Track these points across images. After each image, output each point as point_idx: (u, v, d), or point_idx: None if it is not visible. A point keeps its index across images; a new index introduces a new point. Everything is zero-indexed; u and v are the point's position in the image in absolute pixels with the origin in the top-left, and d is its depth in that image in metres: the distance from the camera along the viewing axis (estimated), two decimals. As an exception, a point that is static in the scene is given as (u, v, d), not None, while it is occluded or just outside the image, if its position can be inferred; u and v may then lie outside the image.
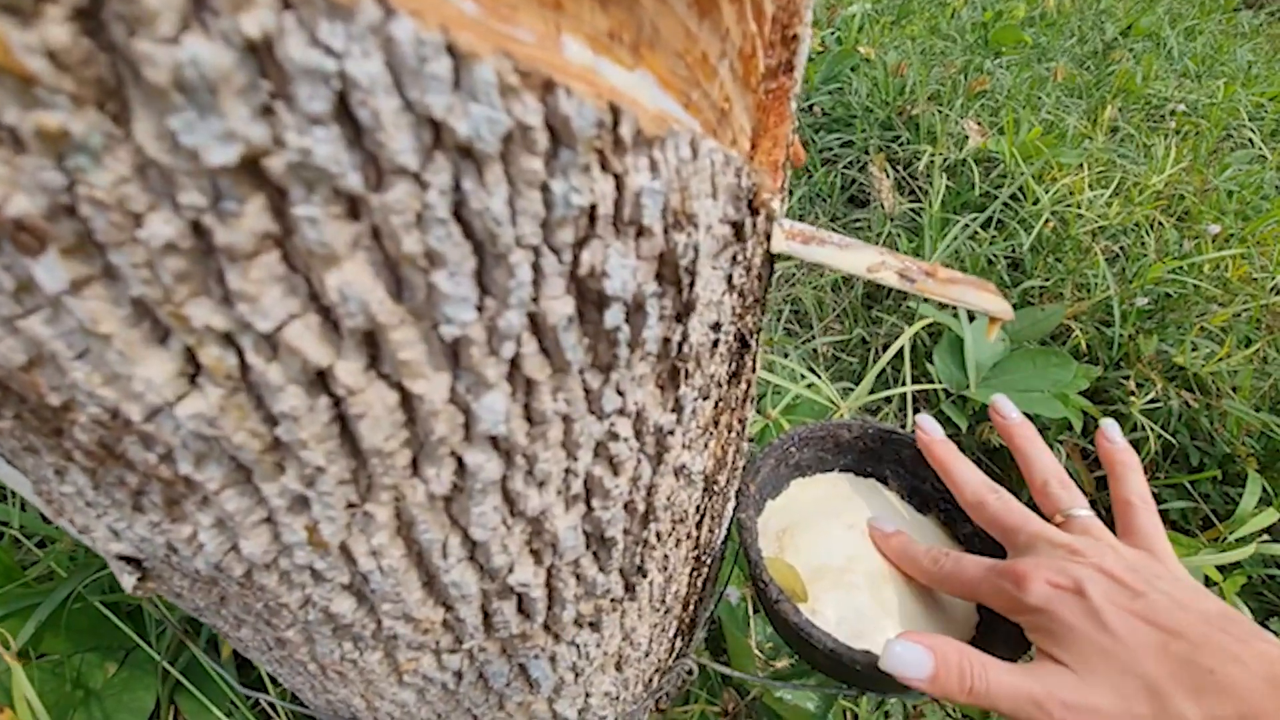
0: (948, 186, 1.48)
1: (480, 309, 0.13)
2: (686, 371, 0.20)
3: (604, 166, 0.12)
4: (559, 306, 0.14)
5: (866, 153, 1.63)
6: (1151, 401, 1.12)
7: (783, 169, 0.24)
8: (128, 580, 0.23)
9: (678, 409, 0.21)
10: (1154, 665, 0.24)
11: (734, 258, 0.19)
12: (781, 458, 0.40)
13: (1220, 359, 1.11)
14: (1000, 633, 0.31)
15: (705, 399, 0.24)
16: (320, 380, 0.13)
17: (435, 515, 0.18)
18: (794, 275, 1.45)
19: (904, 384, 0.95)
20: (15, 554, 0.74)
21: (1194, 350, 1.17)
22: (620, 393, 0.18)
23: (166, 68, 0.08)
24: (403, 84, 0.09)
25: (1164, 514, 1.03)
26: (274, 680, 0.54)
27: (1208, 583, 0.77)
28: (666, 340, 0.17)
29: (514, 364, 0.15)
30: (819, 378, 0.84)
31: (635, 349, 0.16)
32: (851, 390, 0.99)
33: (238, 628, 0.26)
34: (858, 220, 1.53)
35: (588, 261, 0.13)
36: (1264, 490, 0.96)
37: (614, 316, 0.15)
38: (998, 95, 1.73)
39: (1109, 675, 0.24)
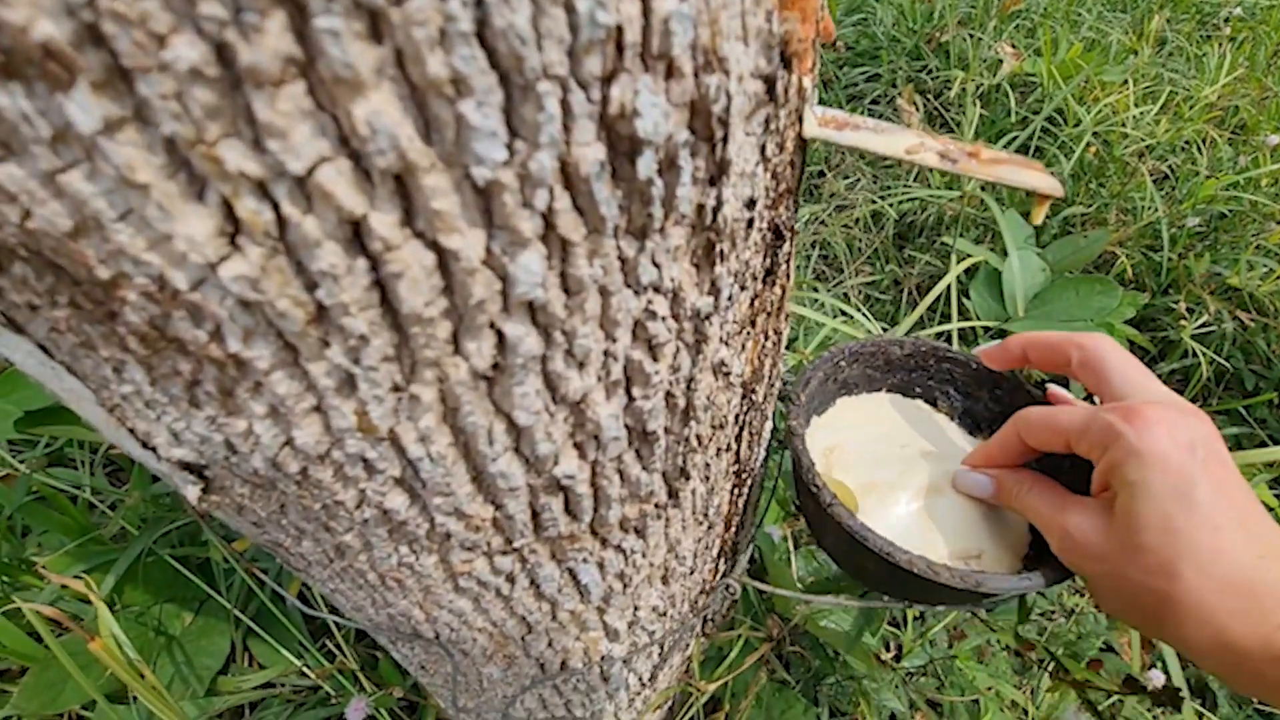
0: (981, 115, 1.41)
1: (511, 150, 0.13)
2: (722, 252, 0.20)
3: (629, -15, 0.12)
4: (590, 153, 0.13)
5: (894, 85, 1.57)
6: (1203, 325, 1.07)
7: (813, 47, 0.23)
8: (192, 491, 0.24)
9: (714, 291, 0.20)
10: (1194, 575, 0.24)
11: (767, 123, 0.18)
12: (830, 372, 0.40)
13: (1279, 277, 1.05)
14: (1050, 557, 0.31)
15: (742, 289, 0.23)
16: (357, 238, 0.13)
17: (479, 398, 0.18)
18: (821, 217, 1.41)
19: (942, 322, 0.92)
20: (90, 516, 0.78)
21: (1250, 270, 1.11)
22: (656, 264, 0.17)
23: None
24: None
25: (1218, 439, 0.99)
26: (338, 613, 0.56)
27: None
28: (700, 206, 0.17)
29: (548, 222, 0.14)
30: (858, 311, 0.82)
31: (669, 211, 0.16)
32: (887, 331, 0.96)
33: (299, 540, 0.27)
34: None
35: (617, 99, 0.13)
36: (1326, 409, 0.92)
37: (646, 165, 0.14)
38: (1033, 14, 1.64)
39: (1141, 549, 0.25)
